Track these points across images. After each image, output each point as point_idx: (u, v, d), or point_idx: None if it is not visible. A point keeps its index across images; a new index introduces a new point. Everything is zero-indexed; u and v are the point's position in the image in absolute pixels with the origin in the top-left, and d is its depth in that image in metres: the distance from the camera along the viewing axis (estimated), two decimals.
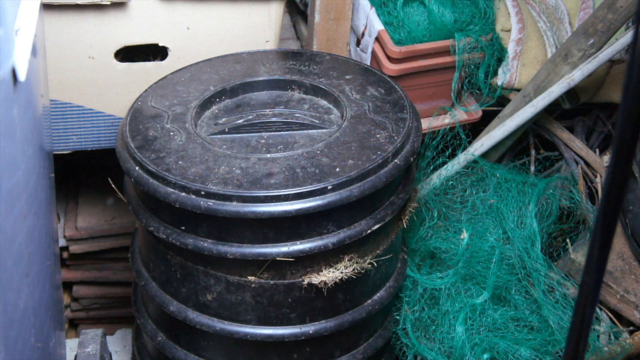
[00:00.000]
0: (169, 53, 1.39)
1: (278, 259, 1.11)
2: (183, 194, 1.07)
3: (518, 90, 1.63)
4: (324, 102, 1.30)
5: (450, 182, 1.52)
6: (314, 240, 1.11)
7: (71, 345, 1.69)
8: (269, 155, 1.14)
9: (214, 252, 1.10)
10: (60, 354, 1.18)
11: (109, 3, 1.29)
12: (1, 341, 0.74)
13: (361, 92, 1.29)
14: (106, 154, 1.45)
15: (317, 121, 1.24)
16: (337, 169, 1.10)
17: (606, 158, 1.63)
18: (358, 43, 1.64)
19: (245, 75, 1.33)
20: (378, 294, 1.26)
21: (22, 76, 0.79)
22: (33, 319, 0.90)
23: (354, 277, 1.16)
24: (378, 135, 1.17)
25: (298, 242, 1.10)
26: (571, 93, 1.61)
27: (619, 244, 1.49)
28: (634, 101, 0.58)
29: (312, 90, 1.31)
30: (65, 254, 1.71)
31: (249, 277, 1.14)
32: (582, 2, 1.66)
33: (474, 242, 1.39)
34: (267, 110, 1.28)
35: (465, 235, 1.40)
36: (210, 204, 1.05)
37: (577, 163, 1.65)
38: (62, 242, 1.68)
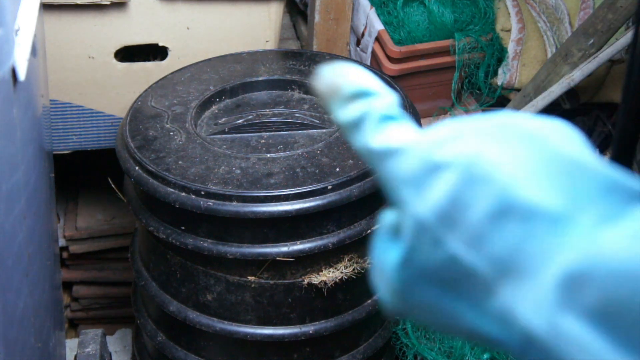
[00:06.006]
0: (169, 53, 1.39)
1: (278, 259, 1.10)
2: (183, 194, 1.07)
3: (518, 90, 1.63)
4: None
5: None
6: (314, 240, 1.11)
7: (71, 345, 1.69)
8: (269, 155, 1.14)
9: (214, 252, 1.10)
10: (60, 354, 1.17)
11: (109, 3, 1.29)
12: (1, 341, 0.74)
13: None
14: (106, 154, 1.45)
15: (317, 121, 1.24)
16: (337, 169, 1.10)
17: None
18: (358, 43, 1.64)
19: (245, 75, 1.33)
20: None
21: (22, 76, 0.79)
22: (33, 319, 0.90)
23: (354, 277, 1.16)
24: None
25: (298, 242, 1.10)
26: (571, 93, 1.61)
27: None
28: (634, 101, 0.59)
29: (312, 90, 1.31)
30: (65, 254, 1.71)
31: (249, 277, 1.14)
32: (582, 2, 1.66)
33: None
34: (267, 110, 1.28)
35: None
36: (210, 204, 1.05)
37: None
38: (62, 242, 1.68)
